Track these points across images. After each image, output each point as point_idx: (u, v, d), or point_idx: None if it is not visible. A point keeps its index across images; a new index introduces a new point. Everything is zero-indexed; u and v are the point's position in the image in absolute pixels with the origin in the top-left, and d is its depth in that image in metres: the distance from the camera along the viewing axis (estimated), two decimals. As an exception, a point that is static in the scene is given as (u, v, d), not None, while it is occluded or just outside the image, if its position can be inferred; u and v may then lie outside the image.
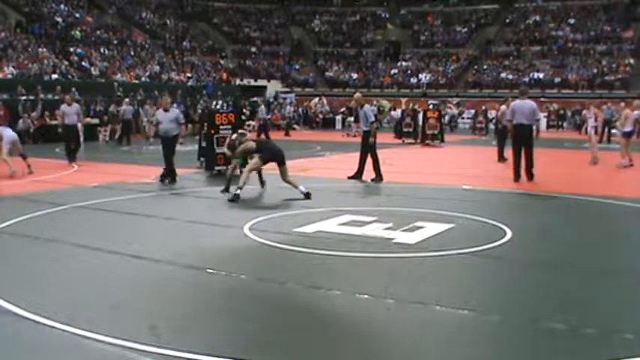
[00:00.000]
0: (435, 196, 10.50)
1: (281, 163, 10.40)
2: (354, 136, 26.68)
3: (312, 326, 4.61)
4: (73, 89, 25.88)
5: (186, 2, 46.11)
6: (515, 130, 12.19)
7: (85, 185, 11.51)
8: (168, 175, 11.98)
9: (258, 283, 5.63)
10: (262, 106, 25.77)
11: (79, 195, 10.49)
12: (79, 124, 16.40)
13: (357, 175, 12.52)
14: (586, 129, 17.71)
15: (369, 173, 12.42)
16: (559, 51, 41.39)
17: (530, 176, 12.09)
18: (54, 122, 23.35)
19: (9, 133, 13.30)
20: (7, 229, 7.70)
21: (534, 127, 12.12)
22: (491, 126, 30.18)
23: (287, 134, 28.41)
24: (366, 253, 6.62)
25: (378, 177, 12.35)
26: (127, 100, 24.68)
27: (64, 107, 15.73)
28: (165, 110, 12.31)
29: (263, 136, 23.52)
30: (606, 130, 24.24)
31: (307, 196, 10.04)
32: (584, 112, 32.17)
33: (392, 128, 27.73)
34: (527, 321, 4.62)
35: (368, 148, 12.43)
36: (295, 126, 32.66)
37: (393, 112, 30.38)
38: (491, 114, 30.89)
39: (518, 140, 12.16)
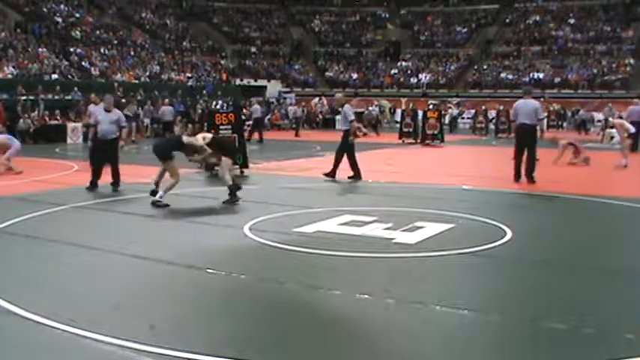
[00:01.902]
0: (435, 196, 10.49)
1: (159, 160, 9.79)
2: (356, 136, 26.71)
3: (312, 326, 4.60)
4: (75, 89, 25.97)
5: (186, 2, 46.11)
6: (518, 130, 12.12)
7: (85, 185, 11.49)
8: (96, 184, 10.95)
9: (258, 283, 5.63)
10: (256, 106, 25.64)
11: (79, 195, 10.49)
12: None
13: (331, 174, 12.55)
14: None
15: (369, 174, 12.42)
16: (559, 51, 41.41)
17: (530, 180, 11.94)
18: (54, 122, 23.43)
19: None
20: (7, 229, 7.69)
21: (538, 127, 12.04)
22: (492, 126, 30.27)
23: (297, 134, 28.25)
24: (366, 253, 6.61)
25: (357, 175, 12.44)
26: (166, 100, 24.67)
27: (91, 107, 15.61)
28: (107, 110, 11.28)
29: (256, 135, 23.52)
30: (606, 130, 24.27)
31: (155, 202, 9.25)
32: (580, 112, 32.27)
33: (392, 128, 27.75)
34: (527, 321, 4.62)
35: (347, 147, 12.53)
36: (294, 126, 32.65)
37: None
38: (492, 114, 30.97)
39: (521, 141, 12.07)
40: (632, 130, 15.85)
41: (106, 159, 11.24)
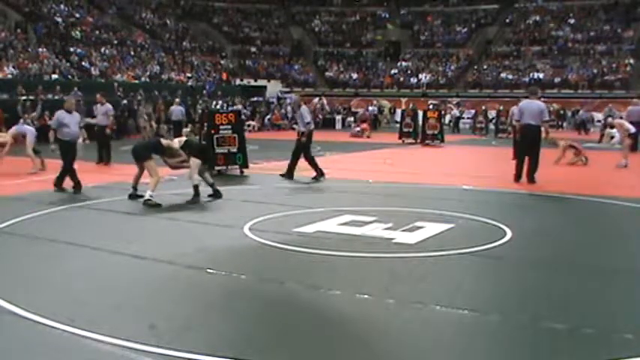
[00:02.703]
0: (435, 196, 10.50)
1: (135, 161, 10.01)
2: (358, 136, 26.75)
3: (312, 326, 4.61)
4: (75, 89, 25.97)
5: (186, 2, 46.12)
6: (523, 131, 12.05)
7: (85, 185, 11.49)
8: (79, 183, 10.94)
9: (258, 283, 5.63)
10: (239, 105, 25.53)
11: (79, 195, 10.51)
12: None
13: (317, 176, 12.55)
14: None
15: (370, 174, 12.41)
16: (559, 51, 41.41)
17: (531, 180, 11.89)
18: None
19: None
20: (7, 229, 7.70)
21: (542, 129, 11.99)
22: (492, 126, 30.27)
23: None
24: (366, 253, 6.61)
25: (320, 175, 12.50)
26: (176, 100, 24.67)
27: (95, 108, 15.65)
28: (69, 112, 11.19)
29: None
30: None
31: (146, 202, 9.36)
32: (580, 112, 32.25)
33: (391, 128, 27.74)
34: (527, 321, 4.62)
35: (302, 149, 12.59)
36: (294, 126, 32.66)
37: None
38: (492, 114, 30.98)
39: (525, 141, 12.00)
40: (633, 130, 15.87)
41: (69, 160, 11.07)
